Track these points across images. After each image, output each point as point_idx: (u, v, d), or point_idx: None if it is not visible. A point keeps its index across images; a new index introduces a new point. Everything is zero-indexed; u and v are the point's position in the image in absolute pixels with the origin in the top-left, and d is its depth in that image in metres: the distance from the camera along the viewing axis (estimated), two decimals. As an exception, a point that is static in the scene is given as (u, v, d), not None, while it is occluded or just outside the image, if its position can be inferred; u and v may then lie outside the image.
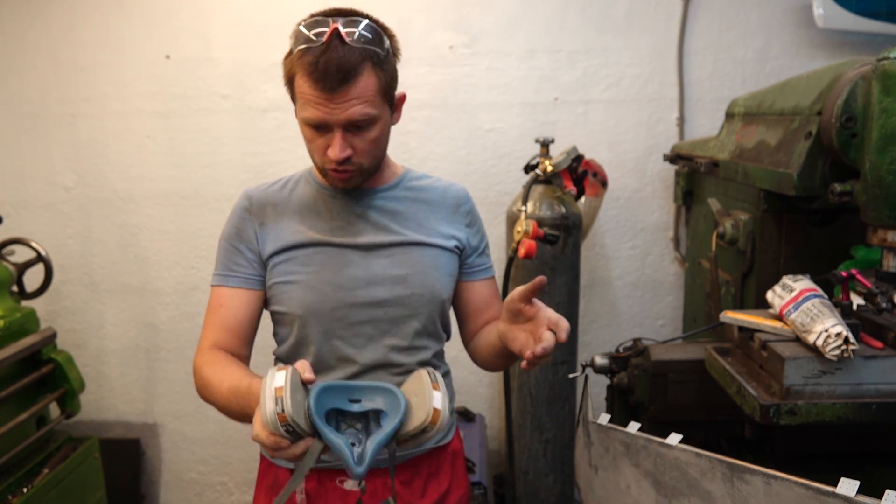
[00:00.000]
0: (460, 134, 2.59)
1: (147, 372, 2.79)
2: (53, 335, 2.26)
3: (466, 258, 1.36)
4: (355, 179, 1.21)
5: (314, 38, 1.10)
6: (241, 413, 1.08)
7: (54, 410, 2.35)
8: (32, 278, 2.37)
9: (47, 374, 2.23)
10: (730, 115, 2.06)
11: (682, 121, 2.55)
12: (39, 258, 2.32)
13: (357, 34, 1.10)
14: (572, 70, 2.54)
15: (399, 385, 1.00)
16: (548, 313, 1.06)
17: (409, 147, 2.59)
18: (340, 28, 1.10)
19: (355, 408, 0.95)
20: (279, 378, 0.89)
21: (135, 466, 2.78)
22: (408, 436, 0.95)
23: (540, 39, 2.53)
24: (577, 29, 2.52)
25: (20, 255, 2.36)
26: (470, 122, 2.59)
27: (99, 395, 2.80)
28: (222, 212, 2.67)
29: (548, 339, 1.02)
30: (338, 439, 0.90)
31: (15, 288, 2.30)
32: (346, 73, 1.08)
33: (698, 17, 2.51)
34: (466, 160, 2.60)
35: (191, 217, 2.68)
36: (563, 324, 1.04)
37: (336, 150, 1.14)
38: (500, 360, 1.28)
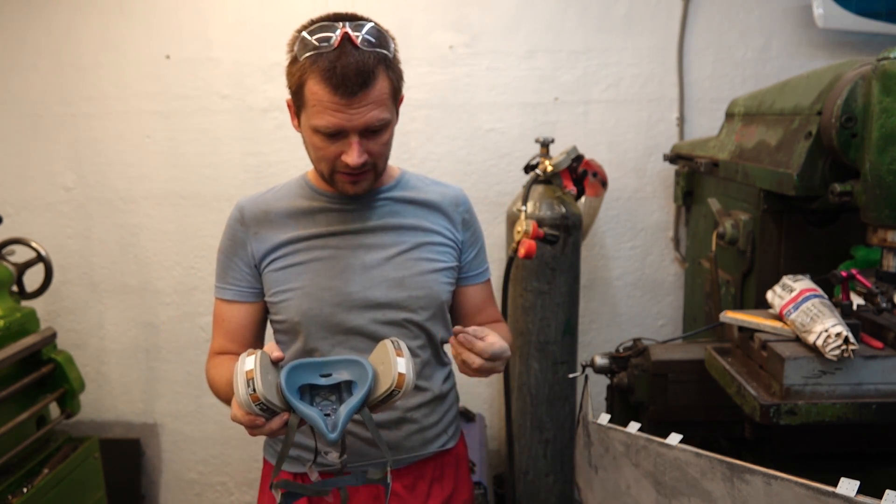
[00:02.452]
0: (460, 134, 2.59)
1: (147, 372, 2.79)
2: (53, 335, 2.26)
3: (462, 261, 1.35)
4: (368, 182, 1.20)
5: (324, 42, 1.08)
6: None
7: (54, 410, 2.35)
8: (32, 278, 2.37)
9: (47, 374, 2.23)
10: (730, 115, 2.06)
11: (682, 121, 2.55)
12: (39, 258, 2.32)
13: (365, 38, 1.09)
14: (572, 70, 2.54)
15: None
16: (488, 343, 1.13)
17: (409, 147, 2.59)
18: (350, 32, 1.08)
19: (325, 381, 1.02)
20: (249, 362, 0.97)
21: (135, 466, 2.78)
22: (377, 401, 1.02)
23: (540, 39, 2.53)
24: (577, 29, 2.52)
25: (20, 255, 2.36)
26: (470, 122, 2.59)
27: (99, 395, 2.80)
28: (222, 212, 2.66)
29: (478, 345, 1.11)
30: (310, 410, 0.97)
31: (15, 288, 2.30)
32: (365, 78, 1.07)
33: (698, 17, 2.51)
34: (466, 160, 2.60)
35: (191, 217, 2.68)
36: (497, 350, 1.13)
37: (354, 157, 1.12)
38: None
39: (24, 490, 2.03)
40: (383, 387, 1.00)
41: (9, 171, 2.69)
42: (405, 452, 1.29)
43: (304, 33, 1.12)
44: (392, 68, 1.14)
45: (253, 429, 0.98)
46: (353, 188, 1.19)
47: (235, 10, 2.54)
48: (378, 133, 1.14)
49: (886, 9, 2.31)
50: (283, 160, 2.61)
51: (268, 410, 0.96)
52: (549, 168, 2.16)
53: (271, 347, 1.02)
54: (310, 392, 1.01)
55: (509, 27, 2.52)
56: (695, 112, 2.56)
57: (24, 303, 2.36)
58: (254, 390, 0.94)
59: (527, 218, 2.00)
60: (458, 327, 1.14)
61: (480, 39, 2.53)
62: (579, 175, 2.26)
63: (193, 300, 2.73)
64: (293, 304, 1.23)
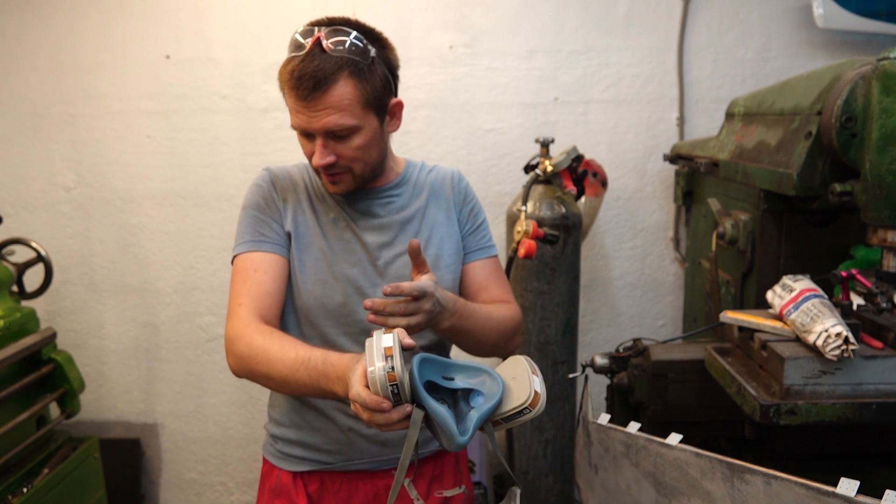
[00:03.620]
0: (460, 134, 2.59)
1: (147, 372, 2.79)
2: (53, 335, 2.26)
3: (462, 236, 1.36)
4: (346, 185, 1.23)
5: (301, 46, 1.13)
6: (311, 384, 1.05)
7: (54, 410, 2.35)
8: (32, 278, 2.36)
9: (47, 374, 2.22)
10: (730, 115, 2.06)
11: (682, 121, 2.55)
12: (39, 258, 2.32)
13: (338, 43, 1.12)
14: (572, 70, 2.54)
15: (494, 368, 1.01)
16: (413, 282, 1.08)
17: (409, 147, 2.59)
18: (323, 37, 1.12)
19: (449, 384, 0.95)
20: (387, 339, 0.89)
21: (135, 466, 2.78)
22: (504, 416, 0.94)
23: (540, 39, 2.53)
24: (577, 29, 2.52)
25: (20, 255, 2.36)
26: (470, 122, 2.59)
27: (99, 395, 2.80)
28: (222, 212, 2.67)
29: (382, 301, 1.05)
30: (441, 408, 0.88)
31: (15, 288, 2.30)
32: (317, 82, 1.10)
33: (698, 17, 2.51)
34: (466, 160, 2.60)
35: (191, 217, 2.68)
36: (405, 287, 1.05)
37: (316, 157, 1.17)
38: (473, 350, 1.31)
39: (24, 490, 2.02)
40: (514, 402, 0.93)
41: (9, 171, 2.69)
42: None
43: (296, 34, 1.16)
44: (362, 75, 1.13)
45: (376, 413, 0.89)
46: (333, 188, 1.24)
47: (235, 10, 2.54)
48: (344, 138, 1.16)
49: (886, 9, 2.31)
50: (282, 160, 2.58)
51: (396, 395, 0.88)
52: (549, 168, 2.16)
53: (403, 333, 0.95)
54: (427, 390, 0.93)
55: (509, 27, 2.52)
56: (695, 112, 2.56)
57: (24, 303, 2.35)
58: (392, 368, 0.86)
59: (527, 218, 2.00)
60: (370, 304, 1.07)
61: (480, 39, 2.53)
62: (579, 175, 2.26)
63: (193, 300, 2.73)
64: (307, 287, 1.25)
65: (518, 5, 2.51)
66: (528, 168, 2.29)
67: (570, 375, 2.19)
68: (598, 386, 2.36)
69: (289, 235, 1.27)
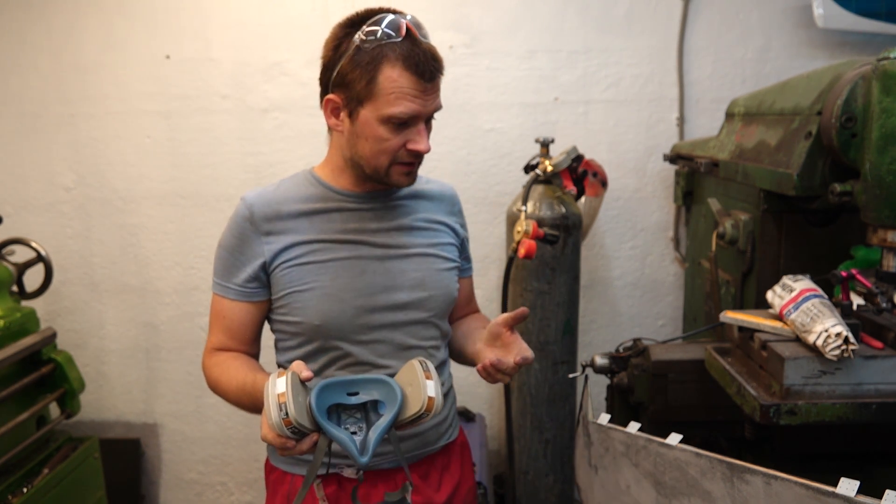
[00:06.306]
0: (460, 134, 2.59)
1: (147, 372, 2.79)
2: (53, 335, 2.26)
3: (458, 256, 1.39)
4: (415, 176, 1.24)
5: (399, 30, 1.13)
6: (253, 407, 1.14)
7: (54, 410, 2.35)
8: (32, 278, 2.37)
9: (47, 374, 2.23)
10: (730, 115, 2.06)
11: (682, 121, 2.55)
12: (39, 258, 2.32)
13: (422, 30, 1.17)
14: (572, 70, 2.54)
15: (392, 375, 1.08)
16: (520, 345, 1.13)
17: None
18: (409, 23, 1.14)
19: (353, 400, 1.02)
20: (280, 384, 0.97)
21: (135, 466, 2.78)
22: (405, 422, 1.02)
23: (540, 39, 2.53)
24: (577, 29, 2.52)
25: (20, 255, 2.36)
26: (470, 122, 2.59)
27: (99, 395, 2.80)
28: (222, 212, 2.67)
29: (508, 364, 1.11)
30: (341, 434, 0.98)
31: (15, 288, 2.30)
32: (439, 63, 1.14)
33: (698, 17, 2.51)
34: (466, 160, 2.60)
35: (191, 217, 2.69)
36: (529, 358, 1.12)
37: (426, 143, 1.16)
38: (462, 360, 1.35)
39: (24, 490, 2.03)
40: (412, 409, 1.01)
41: (9, 170, 2.69)
42: (421, 447, 1.30)
43: (367, 26, 1.12)
44: None
45: (283, 450, 0.99)
46: (408, 179, 1.22)
47: (235, 10, 2.54)
48: (429, 122, 1.19)
49: (886, 9, 2.31)
50: (283, 160, 2.61)
51: (298, 433, 0.97)
52: (549, 168, 2.16)
53: (299, 367, 1.02)
54: (336, 409, 1.02)
55: (509, 27, 2.52)
56: (695, 112, 2.56)
57: (24, 303, 2.35)
58: (287, 414, 0.94)
59: (527, 218, 2.00)
60: (484, 363, 1.13)
61: (480, 39, 2.53)
62: (579, 175, 2.26)
63: (193, 300, 2.73)
64: (312, 304, 1.19)
65: (518, 5, 2.51)
66: (528, 168, 2.29)
67: (570, 375, 2.20)
68: (598, 386, 2.36)
69: (283, 261, 1.21)
